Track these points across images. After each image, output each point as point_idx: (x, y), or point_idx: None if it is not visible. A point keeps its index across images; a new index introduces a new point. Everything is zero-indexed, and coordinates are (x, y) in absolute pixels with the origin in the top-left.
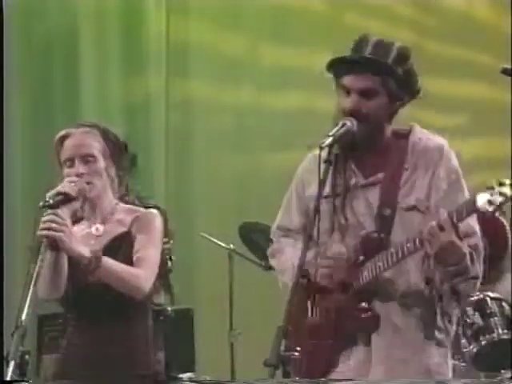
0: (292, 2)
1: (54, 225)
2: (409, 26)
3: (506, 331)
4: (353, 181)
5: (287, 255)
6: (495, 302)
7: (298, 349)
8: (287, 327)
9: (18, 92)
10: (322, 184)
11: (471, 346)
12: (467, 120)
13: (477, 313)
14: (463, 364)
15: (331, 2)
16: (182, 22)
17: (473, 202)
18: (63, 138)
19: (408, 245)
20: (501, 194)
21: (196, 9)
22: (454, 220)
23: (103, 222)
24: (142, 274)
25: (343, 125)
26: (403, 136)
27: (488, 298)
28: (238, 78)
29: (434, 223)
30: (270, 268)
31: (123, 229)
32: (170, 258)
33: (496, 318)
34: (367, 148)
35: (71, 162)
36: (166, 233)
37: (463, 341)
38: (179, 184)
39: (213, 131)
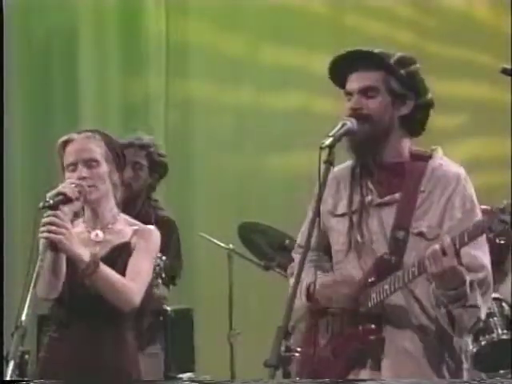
0: (292, 2)
1: (53, 227)
2: (409, 27)
3: (505, 331)
4: (368, 198)
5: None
6: (495, 303)
7: (299, 349)
8: (287, 327)
9: (17, 91)
10: (321, 185)
11: (471, 346)
12: (467, 120)
13: None
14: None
15: (331, 3)
16: (181, 21)
17: (475, 227)
18: (65, 143)
19: (413, 269)
20: (501, 221)
21: (195, 8)
22: (457, 245)
23: (103, 229)
24: (134, 287)
25: (343, 125)
26: (423, 159)
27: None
28: (238, 78)
29: (436, 247)
30: (270, 268)
31: (123, 239)
32: (161, 276)
33: (496, 319)
34: (384, 162)
35: (74, 166)
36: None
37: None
38: (179, 184)
39: (212, 131)
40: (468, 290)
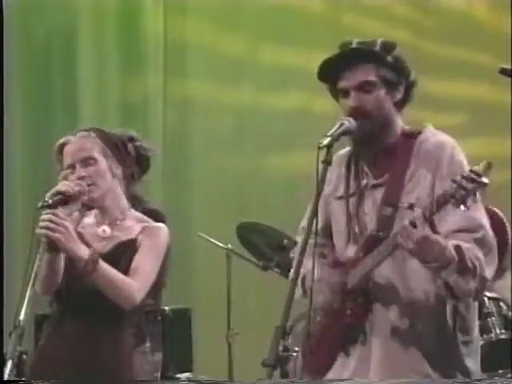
0: (291, 2)
1: (52, 225)
2: (407, 27)
3: (503, 331)
4: (364, 182)
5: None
6: (493, 302)
7: (297, 349)
8: (285, 327)
9: (17, 91)
10: (319, 184)
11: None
12: (467, 120)
13: None
14: None
15: (330, 3)
16: (180, 21)
17: (443, 194)
18: (62, 146)
19: (390, 241)
20: (463, 188)
21: (194, 8)
22: (426, 215)
23: (111, 225)
24: (135, 285)
25: (341, 124)
26: (412, 136)
27: (485, 298)
28: (237, 77)
29: (406, 221)
30: (268, 268)
31: (130, 236)
32: None
33: (494, 318)
34: (379, 146)
35: (72, 167)
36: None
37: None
38: (177, 184)
39: (211, 131)
40: (454, 254)
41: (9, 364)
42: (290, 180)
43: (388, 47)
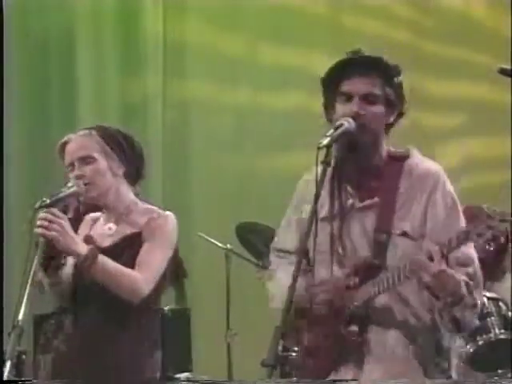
0: (291, 2)
1: (47, 223)
2: (408, 27)
3: (502, 331)
4: (349, 202)
5: (279, 281)
6: (492, 302)
7: (296, 349)
8: (285, 327)
9: (16, 92)
10: (319, 185)
11: (468, 346)
12: (467, 120)
13: None
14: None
15: (330, 3)
16: (179, 21)
17: (464, 232)
18: (64, 145)
19: (400, 272)
20: (489, 227)
21: (193, 8)
22: (445, 251)
23: (117, 222)
24: (140, 278)
25: (341, 125)
26: (399, 159)
27: (485, 298)
28: (236, 78)
29: (423, 254)
30: (267, 268)
31: (135, 230)
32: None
33: (493, 318)
34: (364, 166)
35: (72, 166)
36: None
37: (460, 340)
38: (177, 184)
39: (210, 131)
40: (464, 290)
41: (8, 364)
42: (289, 180)
43: (396, 71)
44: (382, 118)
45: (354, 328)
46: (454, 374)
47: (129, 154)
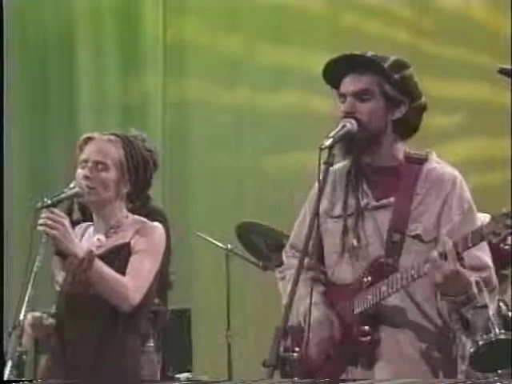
0: (290, 2)
1: (49, 221)
2: (408, 27)
3: (503, 331)
4: (364, 201)
5: (289, 282)
6: None
7: (297, 349)
8: (286, 328)
9: (16, 92)
10: (321, 186)
11: (468, 346)
12: (467, 120)
13: None
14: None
15: (329, 3)
16: (179, 21)
17: (478, 232)
18: (86, 141)
19: (412, 271)
20: (506, 225)
21: (193, 8)
22: (459, 249)
23: (106, 234)
24: (131, 285)
25: (343, 126)
26: (418, 162)
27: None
28: (236, 77)
29: (436, 252)
30: (268, 268)
31: (123, 240)
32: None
33: (493, 319)
34: (379, 167)
35: (85, 163)
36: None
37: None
38: (176, 184)
39: (210, 131)
40: (476, 290)
41: (9, 364)
42: (289, 180)
43: (398, 66)
44: (379, 114)
45: (366, 328)
46: (460, 376)
47: (141, 178)
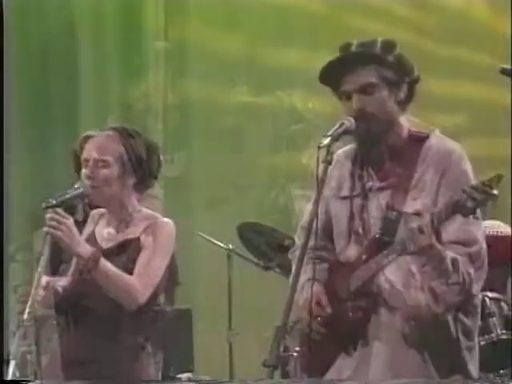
0: (291, 3)
1: (53, 222)
2: (408, 27)
3: (504, 331)
4: (369, 184)
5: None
6: (494, 303)
7: (297, 349)
8: (286, 327)
9: (17, 92)
10: (319, 185)
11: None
12: (467, 120)
13: None
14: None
15: (330, 2)
16: (180, 21)
17: (452, 203)
18: (86, 139)
19: (397, 246)
20: (474, 199)
21: (195, 9)
22: (435, 223)
23: (117, 228)
24: (138, 284)
25: (341, 124)
26: (420, 139)
27: (487, 299)
28: (237, 78)
29: (414, 226)
30: (269, 268)
31: (133, 235)
32: None
33: (495, 318)
34: (385, 148)
35: (87, 163)
36: None
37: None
38: (177, 184)
39: (211, 131)
40: (450, 267)
41: (12, 364)
42: (289, 180)
43: (388, 46)
44: (387, 102)
45: (361, 304)
46: (465, 354)
47: (145, 168)
